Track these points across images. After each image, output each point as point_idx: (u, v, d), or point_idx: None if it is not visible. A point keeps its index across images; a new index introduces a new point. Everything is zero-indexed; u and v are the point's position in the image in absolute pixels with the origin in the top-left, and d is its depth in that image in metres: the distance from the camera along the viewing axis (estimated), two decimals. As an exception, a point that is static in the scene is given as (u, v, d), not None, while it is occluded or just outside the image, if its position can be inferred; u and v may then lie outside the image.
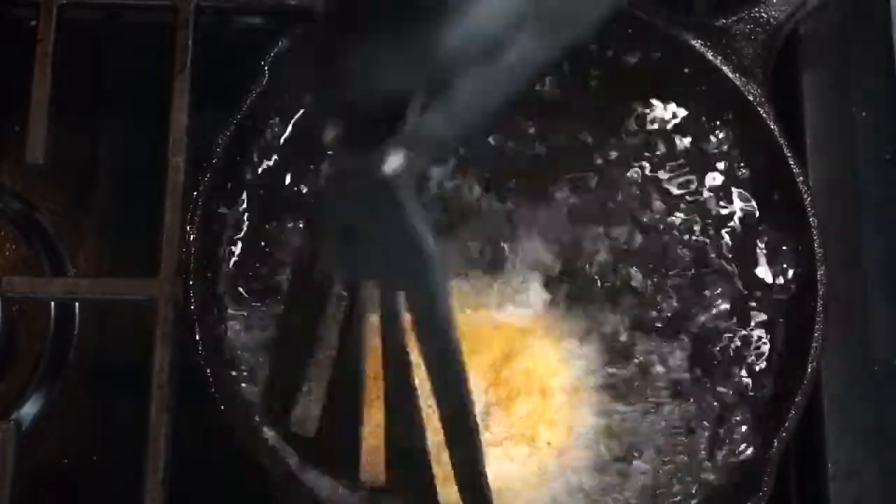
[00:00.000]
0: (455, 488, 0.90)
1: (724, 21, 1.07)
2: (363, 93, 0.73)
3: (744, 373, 1.02)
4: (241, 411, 0.99)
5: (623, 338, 1.02)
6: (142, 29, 1.16)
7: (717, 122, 1.07)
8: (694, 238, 1.05)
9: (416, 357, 0.83)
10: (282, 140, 1.06)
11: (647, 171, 1.06)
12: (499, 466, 0.97)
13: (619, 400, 1.01)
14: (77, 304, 1.12)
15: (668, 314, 1.03)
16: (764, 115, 1.04)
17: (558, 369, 1.01)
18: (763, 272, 1.04)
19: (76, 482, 1.09)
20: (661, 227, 1.05)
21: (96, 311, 1.12)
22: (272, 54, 1.04)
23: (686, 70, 1.07)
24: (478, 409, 0.90)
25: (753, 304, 1.03)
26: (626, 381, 1.01)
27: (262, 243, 1.04)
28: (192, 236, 1.01)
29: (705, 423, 1.00)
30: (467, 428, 0.85)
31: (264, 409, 0.97)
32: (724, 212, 1.06)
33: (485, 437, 0.95)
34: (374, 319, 0.85)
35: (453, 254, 1.02)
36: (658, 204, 1.06)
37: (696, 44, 1.06)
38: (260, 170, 1.05)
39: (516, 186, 1.05)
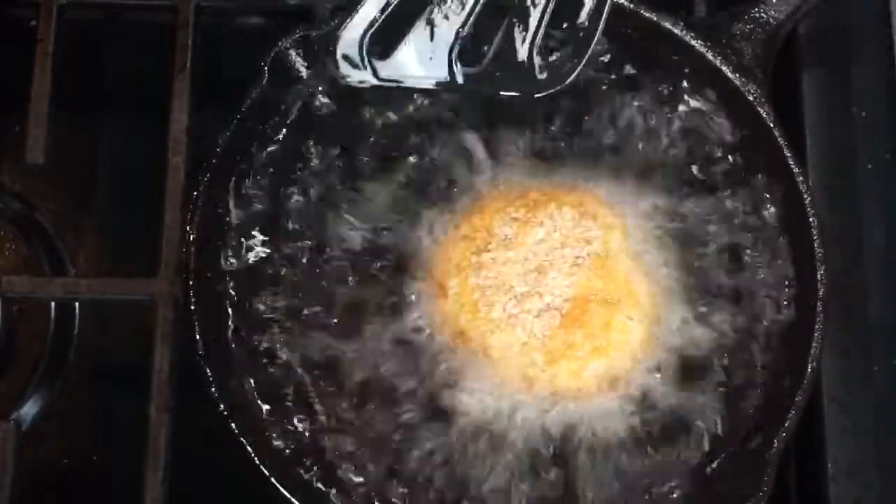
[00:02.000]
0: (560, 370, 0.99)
1: (724, 21, 1.07)
2: None
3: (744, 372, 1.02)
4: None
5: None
6: (142, 29, 1.16)
7: (717, 122, 1.07)
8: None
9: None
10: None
11: (643, 174, 1.07)
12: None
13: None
14: (77, 304, 1.12)
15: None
16: (764, 115, 1.04)
17: None
18: (762, 273, 1.04)
19: (76, 482, 1.09)
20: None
21: (96, 311, 1.12)
22: (272, 54, 1.04)
23: (686, 70, 1.07)
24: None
25: (753, 303, 1.04)
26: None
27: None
28: (192, 236, 1.01)
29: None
30: None
31: None
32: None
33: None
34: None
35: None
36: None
37: (696, 44, 1.06)
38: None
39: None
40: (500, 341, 1.01)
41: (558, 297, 1.01)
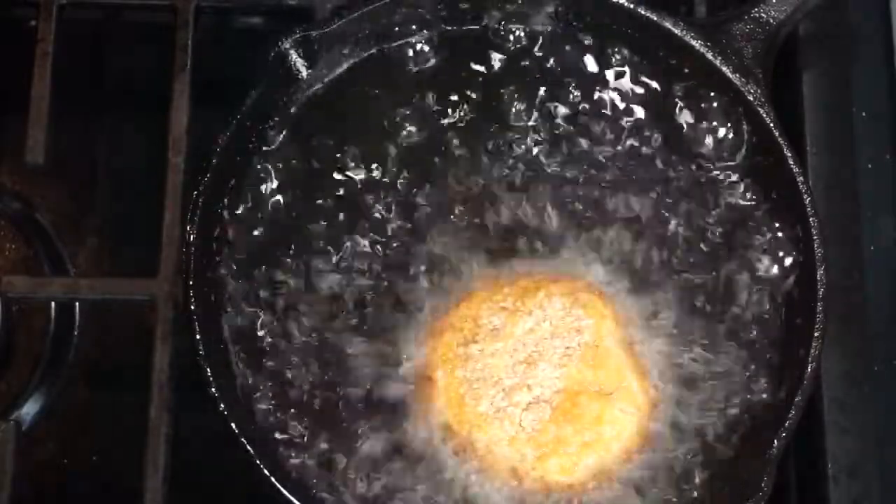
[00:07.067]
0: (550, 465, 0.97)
1: (724, 21, 1.07)
2: None
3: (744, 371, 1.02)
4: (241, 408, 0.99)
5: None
6: (142, 29, 1.16)
7: (717, 122, 1.07)
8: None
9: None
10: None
11: (645, 171, 1.07)
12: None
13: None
14: (77, 304, 1.12)
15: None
16: (764, 115, 1.04)
17: None
18: (763, 272, 1.04)
19: (76, 482, 1.09)
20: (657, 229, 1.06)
21: (96, 311, 1.12)
22: (272, 54, 1.04)
23: (686, 70, 1.07)
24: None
25: (753, 304, 1.04)
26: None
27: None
28: (192, 236, 1.01)
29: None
30: None
31: None
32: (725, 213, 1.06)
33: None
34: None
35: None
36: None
37: (696, 44, 1.06)
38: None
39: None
40: (487, 436, 0.98)
41: (548, 390, 0.99)
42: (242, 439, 0.97)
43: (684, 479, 0.99)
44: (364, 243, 1.04)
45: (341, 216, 1.05)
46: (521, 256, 1.04)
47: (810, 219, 1.01)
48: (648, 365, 1.01)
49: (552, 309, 1.01)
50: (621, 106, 1.07)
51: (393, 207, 1.05)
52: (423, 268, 1.04)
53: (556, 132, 1.07)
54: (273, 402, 1.01)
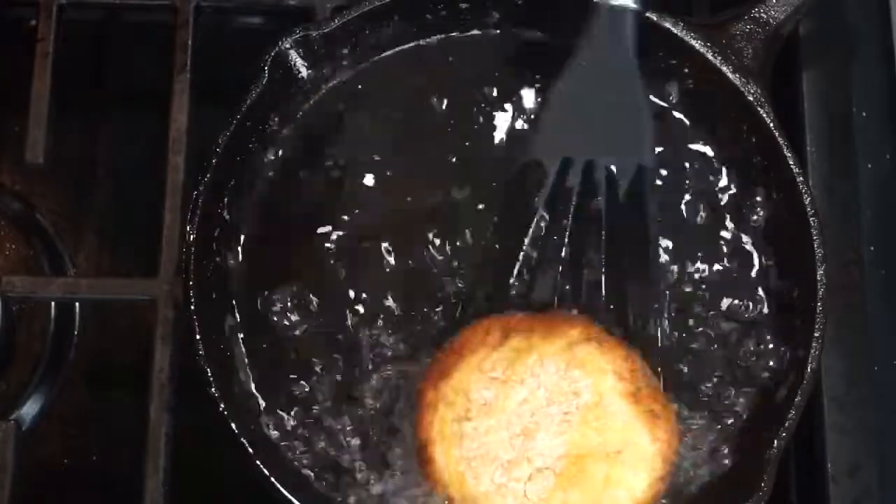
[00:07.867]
0: None
1: (724, 21, 1.07)
2: None
3: (744, 372, 1.02)
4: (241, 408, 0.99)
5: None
6: (142, 29, 1.16)
7: (717, 123, 1.07)
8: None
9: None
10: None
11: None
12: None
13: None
14: (77, 304, 1.12)
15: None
16: (764, 115, 1.04)
17: None
18: (763, 273, 1.04)
19: (76, 482, 1.09)
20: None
21: (96, 311, 1.12)
22: (272, 54, 1.04)
23: (686, 70, 1.07)
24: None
25: (753, 304, 1.04)
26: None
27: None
28: (192, 236, 1.01)
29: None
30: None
31: None
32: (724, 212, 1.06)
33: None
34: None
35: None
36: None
37: (697, 44, 1.06)
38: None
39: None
40: None
41: (549, 458, 0.95)
42: (242, 439, 0.97)
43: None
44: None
45: (344, 214, 1.05)
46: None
47: (810, 219, 1.01)
48: (655, 408, 0.98)
49: (546, 375, 0.96)
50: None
51: (390, 207, 1.05)
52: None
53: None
54: (273, 402, 1.01)
